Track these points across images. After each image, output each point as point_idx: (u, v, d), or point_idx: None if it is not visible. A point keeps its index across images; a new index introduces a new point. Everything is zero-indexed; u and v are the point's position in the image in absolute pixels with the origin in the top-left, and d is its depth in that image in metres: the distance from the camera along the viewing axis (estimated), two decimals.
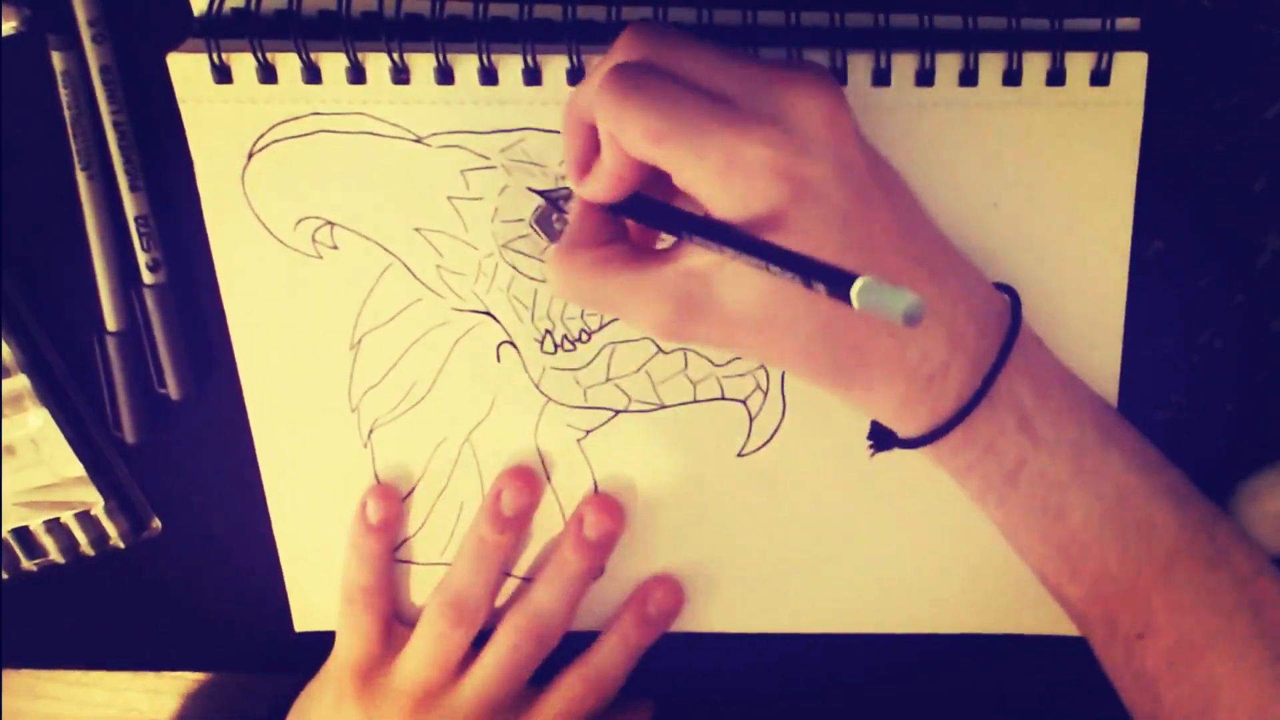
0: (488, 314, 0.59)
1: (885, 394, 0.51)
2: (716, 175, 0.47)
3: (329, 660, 0.65)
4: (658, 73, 0.48)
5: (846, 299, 0.40)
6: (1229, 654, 0.52)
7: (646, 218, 0.52)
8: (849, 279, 0.40)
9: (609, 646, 0.64)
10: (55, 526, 0.65)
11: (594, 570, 0.64)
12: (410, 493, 0.63)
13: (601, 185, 0.51)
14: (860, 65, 0.54)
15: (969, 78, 0.54)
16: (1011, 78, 0.54)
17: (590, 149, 0.52)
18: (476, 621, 0.63)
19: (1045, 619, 0.64)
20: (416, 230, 0.58)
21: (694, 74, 0.48)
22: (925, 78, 0.54)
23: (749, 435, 0.61)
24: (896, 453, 0.54)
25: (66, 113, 0.58)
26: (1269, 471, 0.61)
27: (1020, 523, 0.54)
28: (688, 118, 0.47)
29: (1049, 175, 0.56)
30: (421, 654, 0.63)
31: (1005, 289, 0.54)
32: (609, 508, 0.63)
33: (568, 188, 0.57)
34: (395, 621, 0.65)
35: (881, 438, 0.55)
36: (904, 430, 0.52)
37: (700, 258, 0.49)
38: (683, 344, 0.51)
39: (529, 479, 0.62)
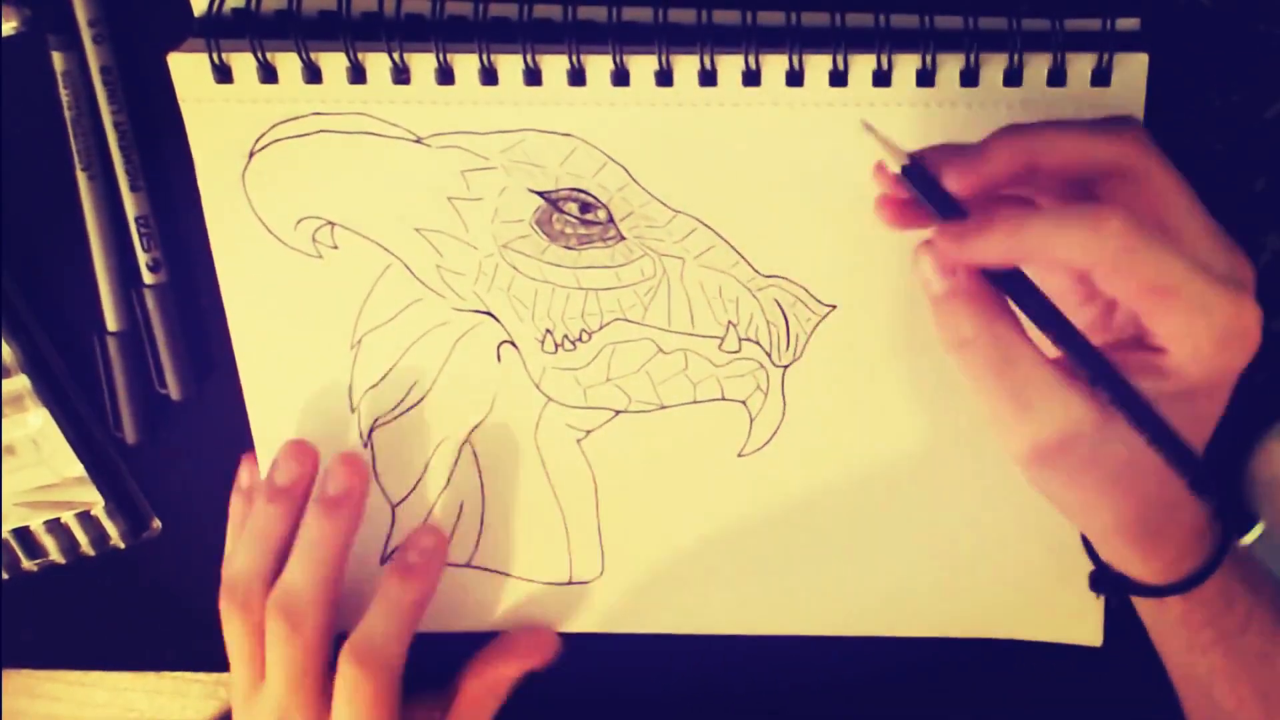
0: (488, 314, 0.59)
1: (1165, 548, 0.52)
2: (1215, 338, 0.46)
3: None
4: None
5: None
6: None
7: (1031, 307, 0.48)
8: None
9: (373, 612, 0.61)
10: (56, 526, 0.65)
11: (340, 536, 0.60)
12: (410, 492, 0.63)
13: (1004, 243, 0.47)
14: (861, 65, 0.54)
15: (970, 78, 0.54)
16: (1012, 78, 0.54)
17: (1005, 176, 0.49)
18: (251, 607, 0.60)
19: (1046, 625, 0.64)
20: (417, 230, 0.58)
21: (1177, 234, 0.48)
22: (926, 78, 0.54)
23: (749, 436, 0.61)
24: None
25: (66, 113, 0.58)
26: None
27: (1240, 672, 0.54)
28: (1199, 278, 0.46)
29: None
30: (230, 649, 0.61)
31: None
32: (351, 462, 0.61)
33: (568, 188, 0.57)
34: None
35: (1114, 585, 0.55)
36: (1162, 579, 0.53)
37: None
38: (1027, 472, 0.49)
39: (303, 450, 0.61)
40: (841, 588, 0.64)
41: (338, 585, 0.60)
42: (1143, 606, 0.55)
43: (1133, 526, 0.50)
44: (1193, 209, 0.48)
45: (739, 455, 0.61)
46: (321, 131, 0.56)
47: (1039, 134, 0.48)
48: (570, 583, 0.65)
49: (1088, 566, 0.56)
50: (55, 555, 0.66)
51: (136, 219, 0.59)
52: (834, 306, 0.58)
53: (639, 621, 0.65)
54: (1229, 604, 0.53)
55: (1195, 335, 0.46)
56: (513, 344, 0.60)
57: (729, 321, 0.59)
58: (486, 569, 0.65)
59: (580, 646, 0.65)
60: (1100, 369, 0.47)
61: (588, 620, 0.65)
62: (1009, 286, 0.48)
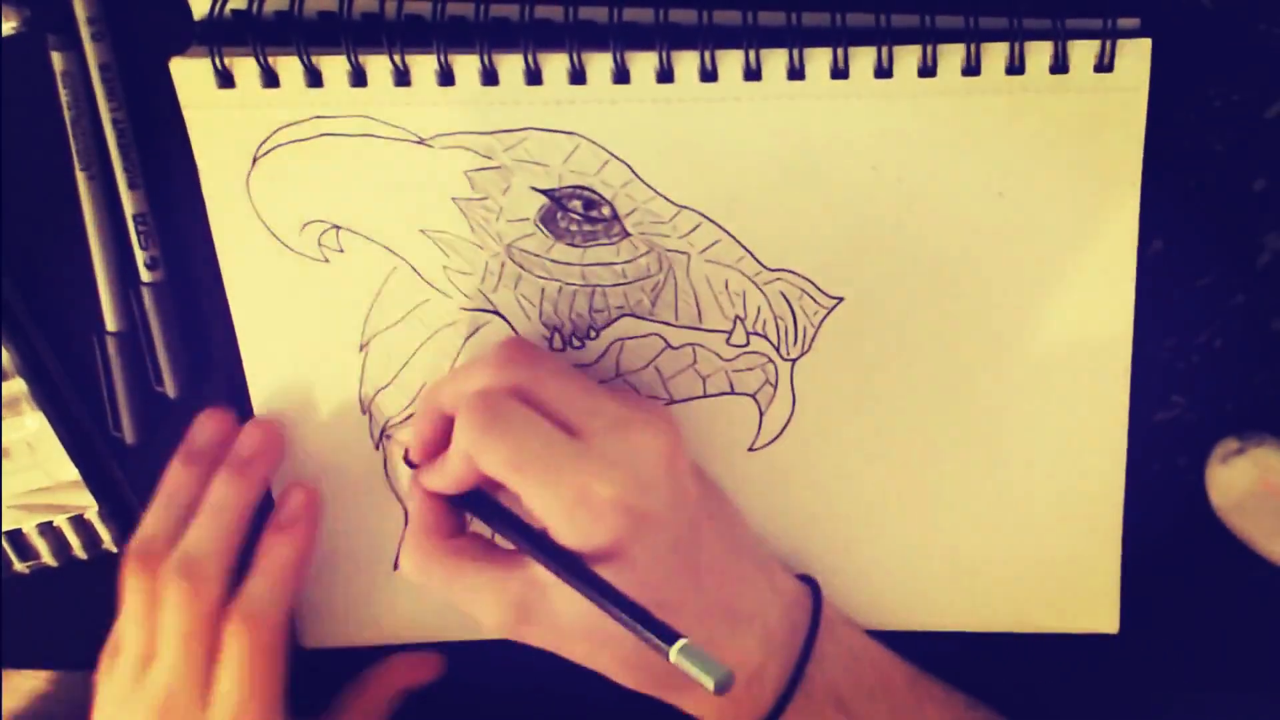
0: (495, 313, 0.59)
1: (705, 698, 0.55)
2: (566, 509, 0.51)
3: None
4: (519, 402, 0.53)
5: (666, 654, 0.47)
6: None
7: (488, 519, 0.56)
8: (672, 638, 0.47)
9: (256, 573, 0.60)
10: (48, 529, 0.65)
11: (244, 499, 0.60)
12: None
13: (443, 481, 0.55)
14: (862, 58, 0.54)
15: (972, 68, 0.54)
16: (1015, 67, 0.54)
17: (439, 437, 0.56)
18: (153, 570, 0.58)
19: (1062, 614, 0.63)
20: (422, 232, 0.58)
21: (553, 404, 0.53)
22: (928, 69, 0.54)
23: (759, 430, 0.61)
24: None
25: (66, 113, 0.58)
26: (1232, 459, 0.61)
27: None
28: (544, 453, 0.51)
29: (1054, 164, 0.56)
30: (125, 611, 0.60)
31: (806, 579, 0.60)
32: (264, 427, 0.61)
33: (571, 185, 0.57)
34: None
35: None
36: None
37: (543, 569, 0.53)
38: (517, 640, 0.55)
39: (222, 415, 0.61)
40: (853, 582, 0.64)
41: (238, 552, 0.59)
42: None
43: (640, 673, 0.55)
44: (560, 385, 0.54)
45: (749, 450, 0.61)
46: (324, 135, 0.56)
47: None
48: None
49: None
50: (47, 558, 0.65)
51: (135, 217, 0.59)
52: (841, 299, 0.58)
53: None
54: None
55: (544, 504, 0.52)
56: None
57: (736, 316, 0.58)
58: None
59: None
60: (541, 552, 0.53)
61: None
62: (468, 505, 0.57)
